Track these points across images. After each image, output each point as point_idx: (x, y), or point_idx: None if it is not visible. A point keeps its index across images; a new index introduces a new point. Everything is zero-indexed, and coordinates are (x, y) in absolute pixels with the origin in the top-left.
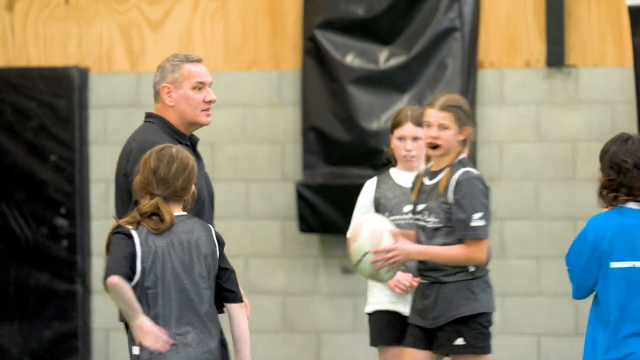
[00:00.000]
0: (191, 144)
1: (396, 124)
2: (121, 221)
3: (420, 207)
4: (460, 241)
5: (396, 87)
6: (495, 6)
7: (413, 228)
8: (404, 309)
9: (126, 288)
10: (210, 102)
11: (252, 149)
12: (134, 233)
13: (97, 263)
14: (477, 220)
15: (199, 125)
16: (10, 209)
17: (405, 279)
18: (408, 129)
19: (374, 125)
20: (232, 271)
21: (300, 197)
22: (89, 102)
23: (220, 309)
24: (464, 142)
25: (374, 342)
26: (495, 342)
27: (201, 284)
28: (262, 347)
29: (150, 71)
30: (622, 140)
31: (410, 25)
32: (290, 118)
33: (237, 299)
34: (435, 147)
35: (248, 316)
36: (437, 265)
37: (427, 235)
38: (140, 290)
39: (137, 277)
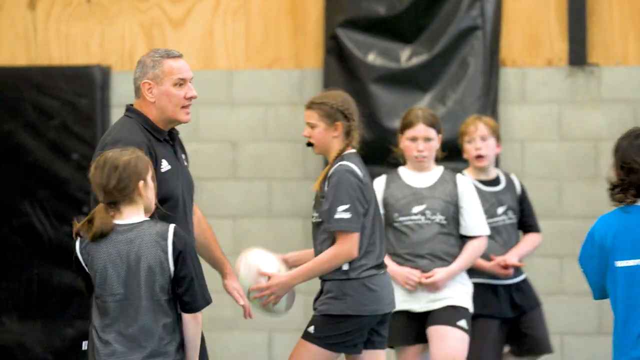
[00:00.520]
0: (171, 138)
1: (407, 124)
2: (78, 225)
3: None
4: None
5: (418, 85)
6: (517, 4)
7: (421, 229)
8: (417, 305)
9: None
10: (191, 98)
11: (274, 147)
12: (78, 240)
13: None
14: (341, 212)
15: (178, 122)
16: (33, 208)
17: (414, 274)
18: (420, 129)
19: (396, 124)
20: (192, 278)
21: None
22: (110, 100)
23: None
24: (347, 136)
25: (391, 343)
26: None
27: (141, 295)
28: (285, 347)
29: None
30: (634, 135)
31: (432, 24)
32: None
33: (190, 309)
34: (309, 144)
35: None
36: None
37: (313, 230)
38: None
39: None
